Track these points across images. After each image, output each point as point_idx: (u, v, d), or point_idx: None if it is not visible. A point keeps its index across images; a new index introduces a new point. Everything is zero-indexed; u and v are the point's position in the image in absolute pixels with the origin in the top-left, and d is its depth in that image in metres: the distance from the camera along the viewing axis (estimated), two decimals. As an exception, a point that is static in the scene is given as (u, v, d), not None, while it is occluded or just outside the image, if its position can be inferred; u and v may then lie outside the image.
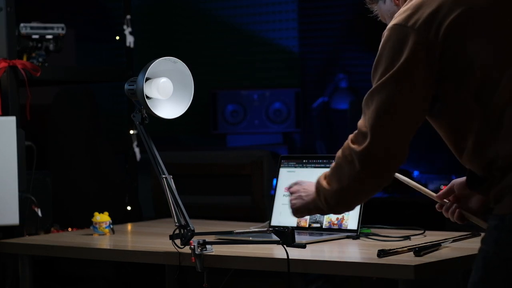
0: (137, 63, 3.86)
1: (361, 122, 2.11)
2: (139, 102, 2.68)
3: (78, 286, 4.50)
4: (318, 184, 2.22)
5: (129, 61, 4.04)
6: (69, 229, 3.55)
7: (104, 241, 3.00)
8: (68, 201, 4.31)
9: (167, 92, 2.71)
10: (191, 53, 6.31)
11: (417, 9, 2.05)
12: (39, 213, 3.31)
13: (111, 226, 3.10)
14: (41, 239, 3.15)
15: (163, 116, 2.71)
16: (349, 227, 2.82)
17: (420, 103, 2.05)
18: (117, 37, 4.15)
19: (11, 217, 3.09)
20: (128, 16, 4.05)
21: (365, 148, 2.07)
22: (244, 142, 6.29)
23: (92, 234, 3.08)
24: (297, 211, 2.35)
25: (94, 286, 4.48)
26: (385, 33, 2.08)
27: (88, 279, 4.49)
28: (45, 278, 4.25)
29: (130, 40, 4.04)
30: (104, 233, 3.08)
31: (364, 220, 2.84)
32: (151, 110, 2.67)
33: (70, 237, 3.11)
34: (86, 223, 3.25)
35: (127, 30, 4.03)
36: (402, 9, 2.10)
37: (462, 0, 2.02)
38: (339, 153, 2.17)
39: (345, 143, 2.15)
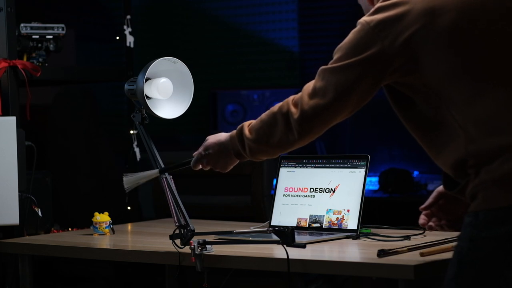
0: (137, 63, 3.85)
1: (308, 95, 2.20)
2: (139, 102, 2.68)
3: (78, 286, 4.50)
4: (243, 135, 2.38)
5: (129, 61, 4.04)
6: (69, 229, 3.54)
7: (104, 241, 3.00)
8: (68, 201, 4.31)
9: (167, 92, 2.71)
10: (191, 53, 6.31)
11: (386, 9, 2.08)
12: (39, 213, 3.31)
13: (111, 226, 3.10)
14: (41, 239, 3.15)
15: (163, 116, 2.71)
16: (349, 227, 2.82)
17: (361, 95, 2.15)
18: (117, 37, 4.15)
19: (11, 217, 3.09)
20: (128, 16, 4.05)
21: (304, 121, 2.21)
22: (244, 142, 6.28)
23: (92, 234, 3.08)
24: (223, 168, 2.54)
25: (94, 286, 4.48)
26: (358, 25, 2.13)
27: (88, 279, 4.49)
28: (45, 278, 4.26)
29: (130, 40, 4.04)
30: (104, 233, 3.08)
31: (364, 220, 2.84)
32: (151, 110, 2.67)
33: (70, 237, 3.11)
34: (86, 223, 3.25)
35: (127, 30, 4.03)
36: (379, 4, 2.12)
37: (427, 12, 2.03)
38: (278, 110, 2.29)
39: (285, 105, 2.27)
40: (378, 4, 2.12)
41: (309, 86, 2.23)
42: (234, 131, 2.45)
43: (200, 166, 2.58)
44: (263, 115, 2.35)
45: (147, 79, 2.68)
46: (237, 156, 2.46)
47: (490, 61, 2.00)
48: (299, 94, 2.25)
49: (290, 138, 2.27)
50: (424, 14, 2.03)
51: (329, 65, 2.17)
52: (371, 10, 2.13)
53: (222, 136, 2.51)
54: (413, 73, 2.06)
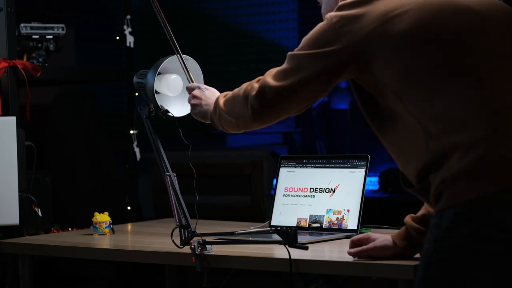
0: (137, 63, 3.86)
1: (271, 75, 2.26)
2: (147, 96, 2.68)
3: (78, 286, 4.50)
4: (217, 101, 2.43)
5: (129, 61, 4.04)
6: (69, 229, 3.55)
7: (104, 241, 3.00)
8: (68, 201, 4.31)
9: (177, 89, 2.72)
10: (191, 53, 6.31)
11: (349, 7, 2.13)
12: (39, 213, 3.31)
13: (111, 226, 3.10)
14: (41, 239, 3.15)
15: (171, 113, 2.71)
16: (349, 227, 2.82)
17: (320, 84, 2.19)
18: (117, 37, 4.15)
19: (11, 217, 3.09)
20: (128, 16, 4.05)
21: (260, 99, 2.25)
22: (244, 142, 6.29)
23: (92, 234, 3.08)
24: (195, 115, 2.58)
25: (94, 286, 4.48)
26: (325, 19, 2.18)
27: (88, 279, 4.49)
28: (45, 278, 4.26)
29: (130, 40, 4.04)
30: (104, 233, 3.08)
31: (364, 220, 2.84)
32: (159, 105, 2.68)
33: (70, 237, 3.11)
34: (86, 223, 3.25)
35: (127, 30, 4.03)
36: (344, 2, 2.16)
37: (387, 12, 2.07)
38: (245, 85, 2.33)
39: (253, 81, 2.31)
40: (342, 2, 2.17)
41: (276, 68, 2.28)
42: (216, 98, 2.47)
43: (190, 94, 2.60)
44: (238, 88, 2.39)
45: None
46: (211, 121, 2.49)
47: (443, 60, 2.02)
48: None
49: (245, 113, 2.29)
50: (381, 16, 2.07)
51: (294, 51, 2.23)
52: (337, 6, 2.18)
53: (215, 96, 2.53)
54: (368, 71, 2.09)
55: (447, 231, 1.94)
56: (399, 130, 2.09)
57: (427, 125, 2.00)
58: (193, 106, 2.57)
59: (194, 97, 2.57)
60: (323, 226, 2.88)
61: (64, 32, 3.69)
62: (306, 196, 2.95)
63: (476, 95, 1.97)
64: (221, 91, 2.53)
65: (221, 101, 2.41)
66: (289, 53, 2.24)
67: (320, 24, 2.19)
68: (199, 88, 2.58)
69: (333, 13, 2.16)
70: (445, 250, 1.94)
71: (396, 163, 2.20)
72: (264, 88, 2.24)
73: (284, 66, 2.24)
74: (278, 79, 2.23)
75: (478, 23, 2.05)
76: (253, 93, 2.26)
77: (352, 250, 2.37)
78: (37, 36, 3.61)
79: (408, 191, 2.16)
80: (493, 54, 2.02)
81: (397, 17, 2.06)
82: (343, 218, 2.85)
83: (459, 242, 1.93)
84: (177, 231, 2.59)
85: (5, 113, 3.36)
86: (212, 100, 2.50)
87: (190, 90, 2.61)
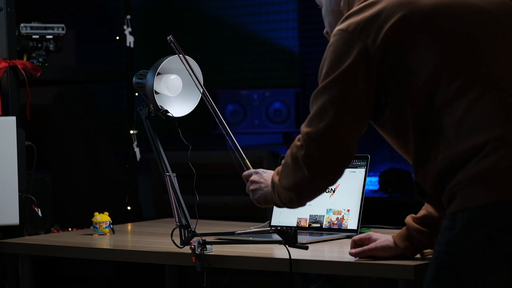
0: (137, 63, 3.86)
1: (305, 125, 2.13)
2: (147, 96, 2.68)
3: (78, 286, 4.50)
4: (272, 179, 2.28)
5: (129, 61, 4.04)
6: (69, 229, 3.55)
7: (104, 241, 3.00)
8: (68, 201, 4.31)
9: (176, 89, 2.71)
10: (191, 53, 6.31)
11: (359, 12, 2.08)
12: (39, 213, 3.31)
13: (111, 226, 3.10)
14: (41, 239, 3.15)
15: (171, 113, 2.70)
16: (349, 227, 2.82)
17: (361, 104, 2.08)
18: (117, 37, 4.15)
19: (11, 217, 3.09)
20: (128, 16, 4.05)
21: (310, 153, 2.10)
22: (244, 142, 6.28)
23: (92, 234, 3.08)
24: (257, 201, 2.43)
25: (94, 286, 4.48)
26: (334, 36, 2.10)
27: (88, 279, 4.49)
28: (45, 278, 4.25)
29: (130, 40, 4.04)
30: (104, 233, 3.08)
31: (364, 220, 2.84)
32: (158, 106, 2.67)
33: (70, 237, 3.11)
34: (86, 223, 3.25)
35: (127, 30, 4.03)
36: (351, 11, 2.12)
37: (403, 5, 2.04)
38: (289, 151, 2.19)
39: (294, 142, 2.16)
40: (350, 11, 2.11)
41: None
42: (271, 177, 2.32)
43: (247, 182, 2.49)
44: None
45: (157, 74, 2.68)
46: (273, 202, 2.34)
47: (455, 62, 2.00)
48: None
49: (302, 176, 2.14)
50: (400, 6, 2.03)
51: (319, 86, 2.11)
52: (342, 18, 2.11)
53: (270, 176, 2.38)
54: (399, 68, 2.03)
55: (460, 233, 1.93)
56: (416, 139, 2.05)
57: (448, 132, 1.98)
58: (253, 192, 2.43)
59: (253, 182, 2.44)
60: (323, 226, 2.88)
61: (64, 32, 3.69)
62: (306, 196, 2.95)
63: (494, 98, 1.96)
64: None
65: (276, 178, 2.25)
66: (313, 93, 2.11)
67: (333, 42, 2.10)
68: (256, 173, 2.46)
69: (343, 25, 2.08)
70: (457, 253, 1.93)
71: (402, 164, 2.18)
72: (309, 140, 2.09)
73: (314, 108, 2.10)
74: (316, 124, 2.08)
75: (489, 23, 2.04)
76: (302, 152, 2.10)
77: (353, 250, 2.36)
78: (37, 36, 3.61)
79: (422, 201, 2.14)
80: (504, 54, 2.01)
81: (417, 9, 2.03)
82: (343, 218, 2.85)
83: (472, 245, 1.92)
84: (177, 231, 2.59)
85: (5, 113, 3.36)
86: (266, 184, 2.38)
87: (247, 177, 2.49)
